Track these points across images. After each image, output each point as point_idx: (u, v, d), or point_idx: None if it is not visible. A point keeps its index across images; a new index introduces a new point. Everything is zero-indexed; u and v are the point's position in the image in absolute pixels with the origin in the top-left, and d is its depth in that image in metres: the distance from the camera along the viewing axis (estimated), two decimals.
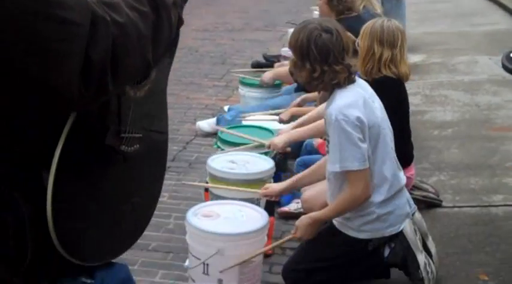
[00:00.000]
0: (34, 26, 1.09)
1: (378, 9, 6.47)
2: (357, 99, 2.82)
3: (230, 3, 15.13)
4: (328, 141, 2.89)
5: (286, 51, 7.33)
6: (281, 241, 3.32)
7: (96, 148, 1.40)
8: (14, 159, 1.27)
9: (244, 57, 9.39)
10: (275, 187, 3.41)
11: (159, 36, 1.31)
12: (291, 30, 9.24)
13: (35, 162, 1.31)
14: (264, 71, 6.35)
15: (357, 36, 3.76)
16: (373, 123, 2.82)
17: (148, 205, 1.69)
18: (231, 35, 11.18)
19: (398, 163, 3.01)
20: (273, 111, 5.19)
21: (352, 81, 2.86)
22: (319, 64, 2.78)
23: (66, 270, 1.43)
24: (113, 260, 1.61)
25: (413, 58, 8.34)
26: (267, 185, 3.46)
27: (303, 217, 3.04)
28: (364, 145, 2.78)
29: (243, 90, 6.27)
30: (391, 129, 2.98)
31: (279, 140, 3.85)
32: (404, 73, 3.58)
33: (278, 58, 7.94)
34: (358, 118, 2.76)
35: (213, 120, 6.04)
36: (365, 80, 3.19)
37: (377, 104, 2.93)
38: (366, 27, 3.61)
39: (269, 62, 8.51)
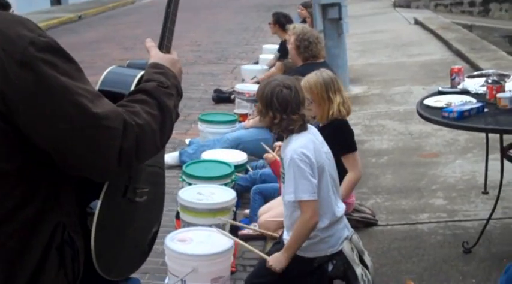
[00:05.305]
0: (90, 132, 1.69)
1: None
2: (308, 143, 3.33)
3: (182, 35, 15.47)
4: (283, 176, 3.43)
5: (240, 87, 7.98)
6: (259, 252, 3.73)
7: (120, 201, 2.04)
8: (70, 212, 1.87)
9: (199, 91, 9.80)
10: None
11: (164, 129, 1.92)
12: (244, 67, 9.94)
13: (83, 213, 1.94)
14: None
15: None
16: (320, 163, 3.32)
17: (155, 231, 2.34)
18: (185, 68, 11.41)
19: (339, 196, 3.53)
20: None
21: (305, 129, 3.36)
22: (279, 113, 3.30)
23: (101, 282, 2.06)
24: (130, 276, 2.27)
25: (355, 90, 8.87)
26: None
27: (274, 255, 3.38)
28: (314, 180, 3.26)
29: (201, 126, 6.76)
30: (336, 171, 3.48)
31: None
32: (350, 109, 4.20)
33: (232, 93, 8.59)
34: (309, 158, 3.27)
35: (176, 153, 6.51)
36: (317, 126, 3.68)
37: (325, 149, 3.42)
38: (315, 82, 4.07)
39: (224, 94, 9.14)
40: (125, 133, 1.75)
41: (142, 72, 2.08)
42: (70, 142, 1.68)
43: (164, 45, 2.18)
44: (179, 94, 2.06)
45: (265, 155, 4.76)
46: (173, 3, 2.21)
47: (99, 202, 1.90)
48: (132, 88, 2.03)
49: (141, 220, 2.21)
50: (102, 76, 2.09)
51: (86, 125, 1.68)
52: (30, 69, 1.61)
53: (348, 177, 4.14)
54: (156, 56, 2.11)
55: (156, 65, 2.06)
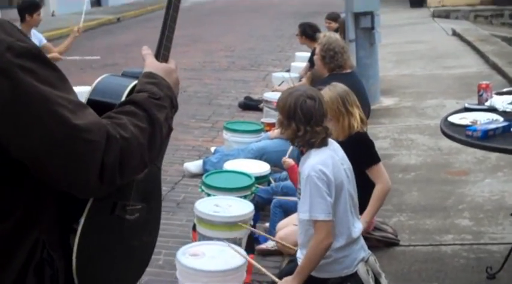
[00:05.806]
0: (68, 145, 1.58)
1: None
2: (327, 159, 3.21)
3: (217, 40, 15.49)
4: (300, 192, 3.30)
5: (268, 96, 7.87)
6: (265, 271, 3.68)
7: (107, 219, 1.93)
8: (51, 230, 1.76)
9: (229, 97, 9.74)
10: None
11: (153, 144, 1.81)
12: (275, 74, 9.89)
13: (66, 231, 1.84)
14: None
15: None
16: (339, 180, 3.20)
17: (151, 241, 2.22)
18: (217, 74, 11.48)
19: (358, 216, 3.40)
20: None
21: (326, 144, 3.24)
22: (303, 125, 3.18)
23: None
24: None
25: (386, 101, 8.73)
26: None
27: (285, 279, 3.30)
28: (330, 199, 3.14)
29: (226, 135, 6.67)
30: (355, 189, 3.34)
31: None
32: (364, 119, 4.11)
33: (261, 101, 8.49)
34: (326, 175, 3.14)
35: (200, 162, 6.44)
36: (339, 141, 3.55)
37: (345, 166, 3.29)
38: (330, 97, 3.92)
39: (254, 102, 9.07)
40: (107, 147, 1.63)
41: (135, 82, 1.96)
42: (47, 155, 1.58)
43: (161, 53, 2.07)
44: (174, 107, 1.93)
45: (284, 158, 4.65)
46: (172, 9, 2.09)
47: (81, 220, 1.80)
48: (123, 98, 1.91)
49: (135, 236, 2.08)
50: (93, 85, 1.98)
51: (64, 137, 1.57)
52: (7, 77, 1.51)
53: (376, 190, 4.03)
54: (150, 65, 1.99)
55: (149, 75, 1.94)
